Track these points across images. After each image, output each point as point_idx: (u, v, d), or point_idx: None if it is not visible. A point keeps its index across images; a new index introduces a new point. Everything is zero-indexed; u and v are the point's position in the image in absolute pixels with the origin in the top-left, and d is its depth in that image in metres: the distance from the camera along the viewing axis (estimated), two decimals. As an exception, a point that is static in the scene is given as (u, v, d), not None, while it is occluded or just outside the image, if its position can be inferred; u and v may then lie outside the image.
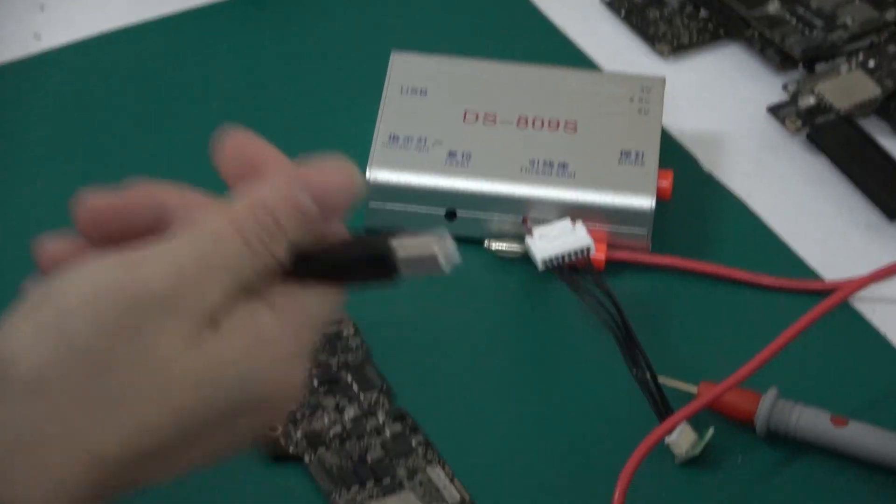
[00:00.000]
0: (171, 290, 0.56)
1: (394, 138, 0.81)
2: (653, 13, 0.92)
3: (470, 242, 0.79)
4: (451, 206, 0.80)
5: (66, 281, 0.57)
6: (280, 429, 0.73)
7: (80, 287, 0.56)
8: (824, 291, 0.79)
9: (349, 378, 0.75)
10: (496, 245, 0.80)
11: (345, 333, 0.77)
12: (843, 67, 0.88)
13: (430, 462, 0.72)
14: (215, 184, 0.78)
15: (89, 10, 0.91)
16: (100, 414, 0.55)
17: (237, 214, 0.58)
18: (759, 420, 0.73)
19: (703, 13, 0.92)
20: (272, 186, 0.58)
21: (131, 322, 0.55)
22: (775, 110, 0.87)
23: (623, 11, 0.92)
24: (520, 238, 0.79)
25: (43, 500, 0.55)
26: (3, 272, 0.77)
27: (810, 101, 0.87)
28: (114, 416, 0.55)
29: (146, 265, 0.56)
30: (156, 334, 0.55)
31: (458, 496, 0.71)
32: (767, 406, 0.73)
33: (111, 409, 0.55)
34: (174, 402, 0.56)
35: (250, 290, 0.58)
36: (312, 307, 0.59)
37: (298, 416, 0.74)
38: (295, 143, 0.84)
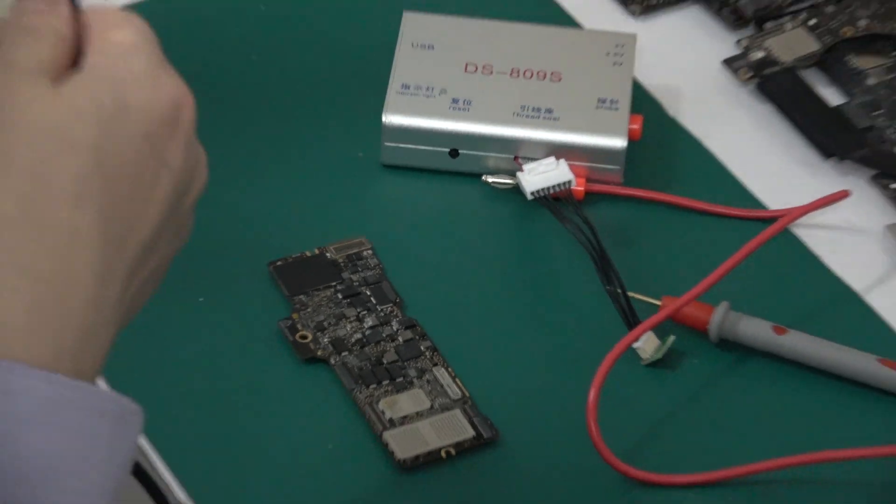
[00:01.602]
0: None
1: (405, 87, 0.82)
2: (626, -24, 0.89)
3: (470, 176, 0.82)
4: (453, 146, 0.81)
5: None
6: (310, 336, 0.74)
7: None
8: (769, 219, 0.80)
9: (367, 292, 0.76)
10: (492, 179, 0.81)
11: (364, 254, 0.78)
12: (788, 25, 0.88)
13: (435, 364, 0.73)
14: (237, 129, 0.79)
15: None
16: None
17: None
18: (712, 329, 0.74)
19: (668, -22, 0.90)
20: None
21: None
22: (729, 63, 0.88)
23: (599, -23, 0.90)
24: (512, 173, 0.80)
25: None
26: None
27: (759, 54, 0.87)
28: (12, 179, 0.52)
29: None
30: (12, 95, 0.53)
31: (458, 392, 0.72)
32: (719, 317, 0.74)
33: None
34: (81, 132, 0.53)
35: (61, 56, 0.55)
36: (127, 34, 0.56)
37: (325, 324, 0.74)
38: (320, 91, 0.86)
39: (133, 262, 0.54)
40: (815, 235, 0.82)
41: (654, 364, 0.75)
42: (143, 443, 0.71)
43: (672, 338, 0.75)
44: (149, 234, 0.54)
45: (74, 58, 0.56)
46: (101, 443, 0.51)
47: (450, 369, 0.74)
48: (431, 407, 0.72)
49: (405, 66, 0.83)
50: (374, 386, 0.73)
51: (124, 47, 0.56)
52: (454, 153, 0.82)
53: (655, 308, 0.75)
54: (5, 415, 0.49)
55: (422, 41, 0.84)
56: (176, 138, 0.56)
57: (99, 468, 0.51)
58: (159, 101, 0.55)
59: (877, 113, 0.86)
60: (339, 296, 0.77)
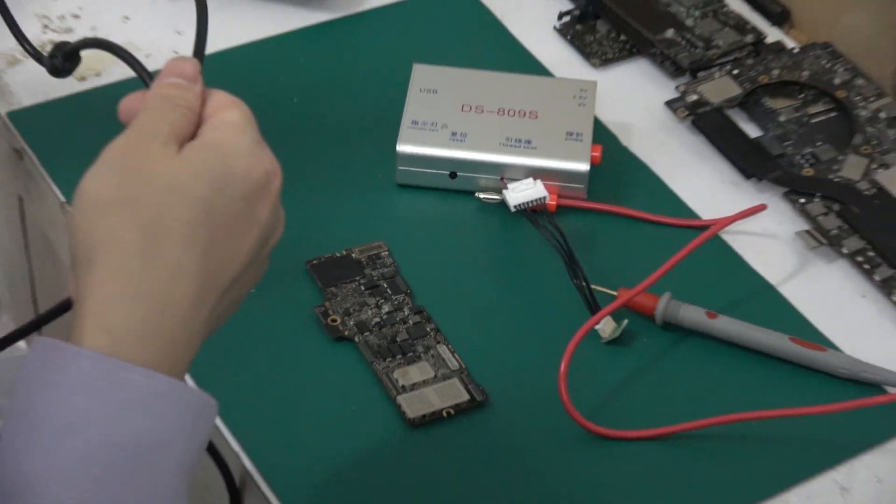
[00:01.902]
0: (128, 138, 0.54)
1: (414, 123, 0.80)
2: (588, 37, 0.90)
3: (465, 193, 0.81)
4: (452, 170, 0.80)
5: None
6: (339, 319, 0.73)
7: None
8: (702, 227, 0.78)
9: (384, 285, 0.75)
10: (483, 195, 0.80)
11: (381, 255, 0.77)
12: (716, 74, 0.87)
13: (438, 342, 0.73)
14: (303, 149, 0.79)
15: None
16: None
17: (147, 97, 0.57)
18: (658, 314, 0.74)
19: (622, 37, 0.90)
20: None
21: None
22: (670, 104, 0.86)
23: (569, 36, 0.91)
24: (498, 191, 0.79)
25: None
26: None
27: (693, 97, 0.86)
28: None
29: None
30: (147, 152, 0.53)
31: (456, 364, 0.71)
32: (663, 304, 0.74)
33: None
34: (195, 189, 0.53)
35: (189, 126, 0.56)
36: (237, 116, 0.56)
37: (351, 310, 0.73)
38: (349, 124, 0.85)
39: (220, 294, 0.54)
40: (739, 240, 0.81)
41: (612, 342, 0.74)
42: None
43: (626, 321, 0.74)
44: (235, 273, 0.55)
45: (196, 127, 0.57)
46: (185, 427, 0.52)
47: (449, 346, 0.73)
48: (435, 376, 0.72)
49: (414, 106, 0.82)
50: (389, 359, 0.72)
51: (234, 126, 0.57)
52: (453, 175, 0.81)
53: (612, 297, 0.74)
54: (116, 402, 0.50)
55: (427, 87, 0.83)
56: (266, 200, 0.56)
57: (182, 447, 0.52)
58: (257, 171, 0.56)
59: (787, 143, 0.85)
60: (362, 288, 0.76)
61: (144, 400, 0.50)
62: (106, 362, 0.49)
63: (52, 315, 0.64)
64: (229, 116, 0.57)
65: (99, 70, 0.87)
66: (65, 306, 0.62)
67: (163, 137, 0.54)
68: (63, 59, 0.67)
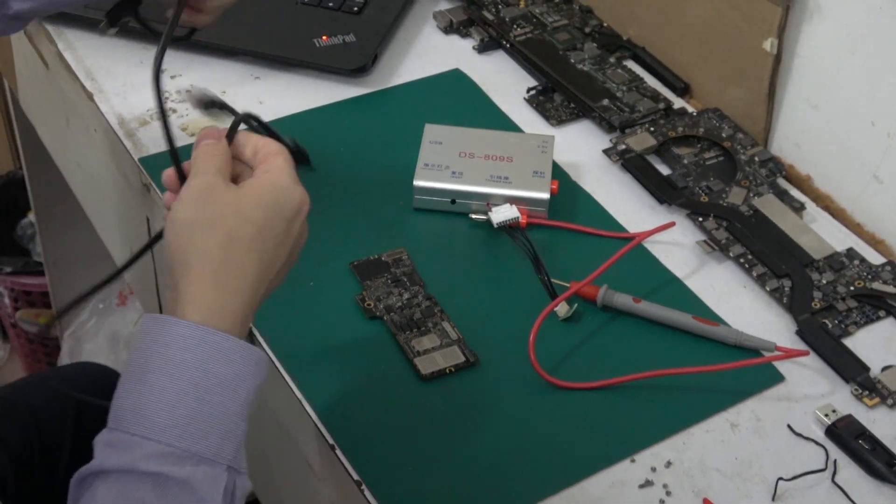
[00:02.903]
0: (198, 179, 0.57)
1: (426, 165, 0.79)
2: (548, 104, 0.88)
3: (462, 215, 0.79)
4: (453, 198, 0.78)
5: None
6: (373, 304, 0.71)
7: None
8: (629, 238, 0.77)
9: (405, 279, 0.73)
10: (475, 216, 0.78)
11: (403, 258, 0.75)
12: (638, 130, 0.85)
13: (443, 320, 0.71)
14: (340, 191, 0.77)
15: (281, 102, 0.89)
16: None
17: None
18: (598, 300, 0.72)
19: (572, 105, 0.88)
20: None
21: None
22: (606, 151, 0.84)
23: (534, 104, 0.88)
24: (485, 213, 0.77)
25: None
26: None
27: (622, 147, 0.84)
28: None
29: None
30: (215, 192, 0.56)
31: (456, 336, 0.70)
32: (602, 293, 0.72)
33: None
34: (254, 214, 0.56)
35: (229, 166, 0.58)
36: (282, 161, 0.59)
37: (381, 297, 0.72)
38: (380, 166, 0.84)
39: (268, 283, 0.57)
40: (656, 247, 0.79)
41: (566, 320, 0.73)
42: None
43: (575, 305, 0.73)
44: (277, 269, 0.58)
45: (251, 168, 0.60)
46: (249, 372, 0.55)
47: (451, 323, 0.72)
48: (440, 344, 0.70)
49: (426, 153, 0.81)
50: (408, 332, 0.71)
51: (280, 168, 0.59)
52: (453, 201, 0.79)
53: (566, 288, 0.73)
54: (204, 355, 0.53)
55: (435, 140, 0.82)
56: (298, 221, 0.59)
57: (247, 385, 0.55)
58: (295, 202, 0.58)
59: (689, 178, 0.83)
60: (389, 281, 0.74)
61: (223, 353, 0.53)
62: (198, 329, 0.53)
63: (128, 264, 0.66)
64: (276, 161, 0.58)
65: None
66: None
67: (222, 176, 0.57)
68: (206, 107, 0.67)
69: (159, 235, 0.61)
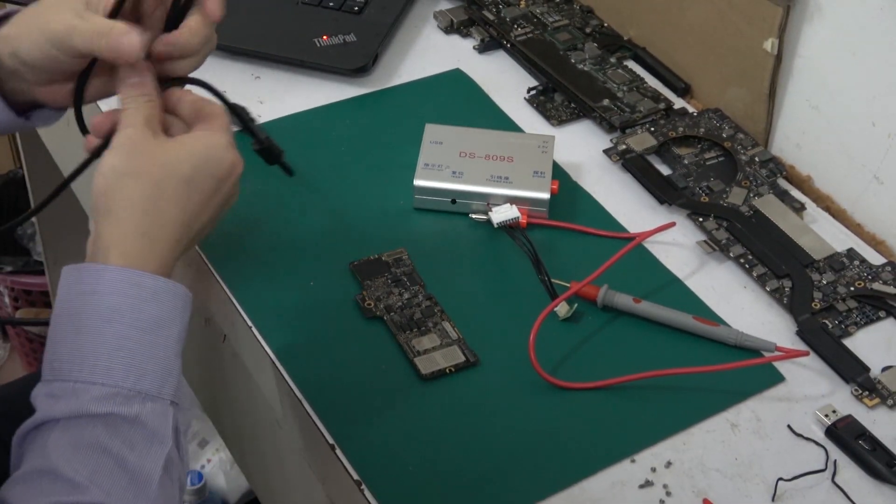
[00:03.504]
0: (129, 131, 0.57)
1: (427, 165, 0.78)
2: (548, 105, 0.88)
3: (463, 215, 0.78)
4: (453, 198, 0.78)
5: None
6: (373, 303, 0.71)
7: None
8: (629, 238, 0.77)
9: (405, 279, 0.73)
10: (475, 216, 0.77)
11: (403, 258, 0.74)
12: (639, 130, 0.85)
13: (443, 319, 0.71)
14: (344, 194, 0.76)
15: (282, 102, 0.89)
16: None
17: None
18: (599, 300, 0.72)
19: (572, 105, 0.88)
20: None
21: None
22: (606, 151, 0.83)
23: (535, 104, 0.88)
24: (486, 213, 0.77)
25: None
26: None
27: (623, 147, 0.83)
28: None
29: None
30: (145, 144, 0.57)
31: (456, 335, 0.70)
32: (602, 293, 0.72)
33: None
34: (182, 167, 0.56)
35: (157, 111, 0.59)
36: (219, 125, 0.59)
37: (381, 297, 0.71)
38: (381, 166, 0.84)
39: (191, 235, 0.58)
40: (656, 247, 0.78)
41: (566, 320, 0.72)
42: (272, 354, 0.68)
43: (575, 305, 0.73)
44: (202, 224, 0.59)
45: (191, 123, 0.60)
46: (178, 309, 0.56)
47: (451, 322, 0.71)
48: (440, 344, 0.70)
49: (426, 153, 0.80)
50: (408, 332, 0.71)
51: (216, 127, 0.59)
52: (453, 201, 0.79)
53: (566, 288, 0.73)
54: (137, 296, 0.54)
55: (435, 140, 0.82)
56: (229, 182, 0.59)
57: (179, 323, 0.56)
58: (226, 162, 0.58)
59: (689, 179, 0.83)
60: (389, 281, 0.74)
61: (155, 294, 0.54)
62: (127, 272, 0.54)
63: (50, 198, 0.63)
64: (216, 122, 0.59)
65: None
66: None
67: (150, 127, 0.57)
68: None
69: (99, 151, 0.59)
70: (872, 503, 0.63)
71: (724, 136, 0.85)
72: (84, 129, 0.61)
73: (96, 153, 0.58)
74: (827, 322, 0.72)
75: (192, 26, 0.60)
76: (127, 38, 0.56)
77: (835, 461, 0.65)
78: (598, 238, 0.78)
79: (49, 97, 0.62)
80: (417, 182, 0.78)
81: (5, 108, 0.62)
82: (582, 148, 0.85)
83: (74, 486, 0.50)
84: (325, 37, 0.91)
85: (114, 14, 0.58)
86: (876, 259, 0.77)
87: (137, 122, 0.57)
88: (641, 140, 0.85)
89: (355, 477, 0.62)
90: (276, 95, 0.89)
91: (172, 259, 0.57)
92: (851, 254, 0.77)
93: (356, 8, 0.94)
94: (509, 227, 0.76)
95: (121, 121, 0.57)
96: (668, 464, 0.64)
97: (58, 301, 0.54)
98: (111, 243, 0.54)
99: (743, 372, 0.69)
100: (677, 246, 0.78)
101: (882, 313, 0.73)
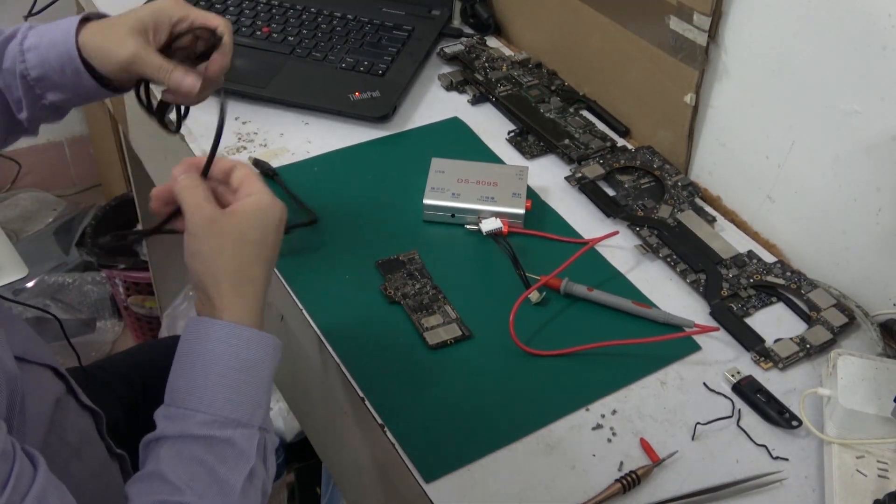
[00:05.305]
0: (197, 215, 0.54)
1: (433, 188, 0.77)
2: (524, 143, 0.86)
3: (460, 226, 0.77)
4: (452, 213, 0.77)
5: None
6: (393, 292, 0.70)
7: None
8: (584, 243, 0.76)
9: (417, 273, 0.72)
10: (469, 227, 0.77)
11: (415, 258, 0.73)
12: (591, 162, 0.83)
13: (446, 304, 0.70)
14: (366, 223, 0.75)
15: (325, 141, 0.88)
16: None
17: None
18: (561, 289, 0.71)
19: (541, 143, 0.86)
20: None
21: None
22: (567, 178, 0.82)
23: (513, 143, 0.86)
24: (477, 224, 0.76)
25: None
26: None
27: (579, 174, 0.82)
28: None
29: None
30: (216, 223, 0.54)
31: (455, 315, 0.69)
32: (565, 284, 0.71)
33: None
34: (251, 233, 0.54)
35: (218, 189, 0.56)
36: (258, 183, 0.56)
37: (399, 286, 0.70)
38: (397, 190, 0.82)
39: (269, 273, 0.56)
40: (604, 250, 0.78)
41: (537, 304, 0.71)
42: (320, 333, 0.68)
43: (544, 293, 0.72)
44: (274, 261, 0.57)
45: (235, 189, 0.57)
46: (269, 355, 0.54)
47: (451, 306, 0.71)
48: (443, 322, 0.69)
49: (432, 179, 0.80)
50: (419, 313, 0.70)
51: (259, 189, 0.56)
52: (453, 215, 0.78)
53: (536, 280, 0.72)
54: (236, 344, 0.53)
55: (439, 169, 0.81)
56: (281, 227, 0.57)
57: (269, 365, 0.54)
58: (278, 213, 0.56)
59: (628, 198, 0.81)
60: (405, 275, 0.73)
61: (249, 343, 0.53)
62: (230, 326, 0.53)
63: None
64: (255, 185, 0.56)
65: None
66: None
67: (212, 206, 0.54)
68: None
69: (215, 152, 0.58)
70: (767, 441, 0.62)
71: (655, 166, 0.85)
72: (163, 123, 0.59)
73: (166, 220, 0.57)
74: (732, 305, 0.72)
75: (218, 59, 0.59)
76: (188, 80, 0.56)
77: (739, 410, 0.64)
78: (560, 243, 0.77)
79: (121, 82, 0.62)
80: (426, 201, 0.78)
81: (95, 84, 0.61)
82: (549, 175, 0.85)
83: (175, 489, 0.49)
84: (357, 93, 0.91)
85: (164, 50, 0.58)
86: (769, 258, 0.77)
87: (201, 202, 0.54)
88: (593, 169, 0.84)
89: (379, 421, 0.62)
90: (320, 136, 0.88)
91: (261, 305, 0.55)
92: (751, 254, 0.77)
93: (380, 72, 0.94)
94: (495, 235, 0.76)
95: (184, 205, 0.55)
96: (614, 412, 0.64)
97: (180, 343, 0.54)
98: (222, 306, 0.53)
99: (669, 343, 0.68)
100: (620, 249, 0.77)
101: (774, 299, 0.73)
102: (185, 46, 0.60)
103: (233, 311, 0.54)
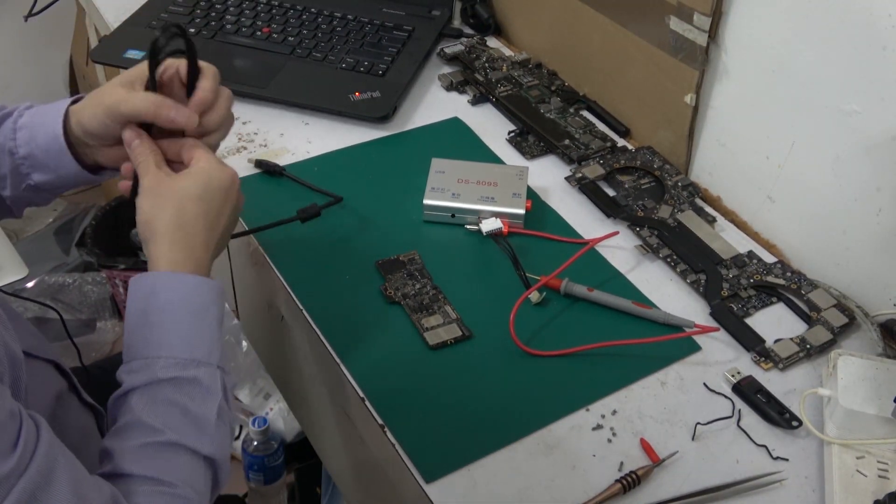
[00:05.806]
0: (150, 177, 0.58)
1: (433, 189, 0.77)
2: (524, 143, 0.86)
3: (460, 226, 0.77)
4: (453, 213, 0.77)
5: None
6: (393, 292, 0.70)
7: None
8: (584, 243, 0.76)
9: (417, 273, 0.72)
10: (469, 227, 0.77)
11: (415, 258, 0.73)
12: (591, 163, 0.83)
13: (446, 304, 0.70)
14: (366, 219, 0.75)
15: (325, 142, 0.89)
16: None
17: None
18: (562, 289, 0.71)
19: (541, 143, 0.86)
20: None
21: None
22: (567, 178, 0.82)
23: (514, 143, 0.86)
24: (477, 224, 0.76)
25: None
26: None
27: (580, 175, 0.82)
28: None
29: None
30: (164, 184, 0.58)
31: (455, 316, 0.69)
32: (565, 284, 0.71)
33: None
34: (193, 191, 0.56)
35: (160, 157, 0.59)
36: (204, 151, 0.59)
37: (399, 286, 0.70)
38: (399, 190, 0.82)
39: (217, 234, 0.58)
40: (605, 250, 0.77)
41: (537, 304, 0.71)
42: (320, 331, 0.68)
43: (544, 293, 0.72)
44: (224, 225, 0.59)
45: (186, 161, 0.59)
46: (216, 297, 0.57)
47: (451, 306, 0.71)
48: (444, 322, 0.69)
49: (433, 179, 0.79)
50: (420, 313, 0.70)
51: (205, 157, 0.59)
52: (453, 216, 0.78)
53: (536, 280, 0.72)
54: (185, 291, 0.55)
55: (440, 170, 0.81)
56: (233, 191, 0.59)
57: (217, 307, 0.57)
58: (225, 176, 0.58)
59: (629, 198, 0.82)
60: (405, 275, 0.73)
61: (196, 287, 0.55)
62: (173, 275, 0.55)
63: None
64: (203, 155, 0.58)
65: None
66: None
67: (160, 169, 0.58)
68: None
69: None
70: (767, 441, 0.62)
71: (655, 166, 0.84)
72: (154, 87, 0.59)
73: (133, 192, 0.60)
74: (732, 305, 0.72)
75: (206, 86, 0.60)
76: (184, 113, 0.59)
77: (739, 410, 0.64)
78: (560, 243, 0.77)
79: (107, 159, 0.63)
80: (426, 201, 0.77)
81: (77, 166, 0.63)
82: (549, 176, 0.85)
83: (155, 430, 0.52)
84: (357, 93, 0.91)
85: (148, 89, 0.59)
86: (769, 259, 0.77)
87: (151, 168, 0.58)
88: (593, 170, 0.84)
89: (379, 421, 0.62)
90: (321, 137, 0.88)
91: (207, 259, 0.57)
92: (751, 255, 0.76)
93: (380, 72, 0.93)
94: (495, 235, 0.75)
95: (138, 170, 0.59)
96: (614, 412, 0.63)
97: (128, 303, 0.56)
98: (158, 257, 0.56)
99: (669, 343, 0.68)
100: (620, 249, 0.77)
101: (774, 299, 0.73)
102: (170, 78, 0.60)
103: (169, 259, 0.56)
